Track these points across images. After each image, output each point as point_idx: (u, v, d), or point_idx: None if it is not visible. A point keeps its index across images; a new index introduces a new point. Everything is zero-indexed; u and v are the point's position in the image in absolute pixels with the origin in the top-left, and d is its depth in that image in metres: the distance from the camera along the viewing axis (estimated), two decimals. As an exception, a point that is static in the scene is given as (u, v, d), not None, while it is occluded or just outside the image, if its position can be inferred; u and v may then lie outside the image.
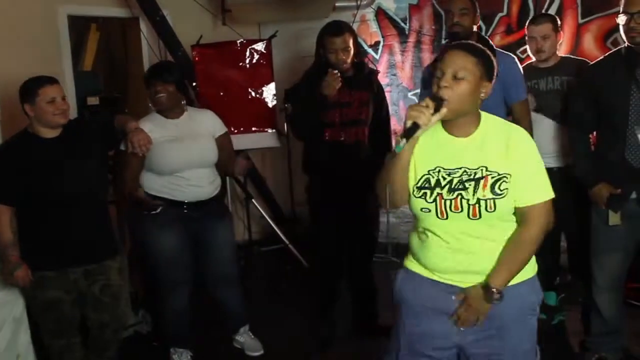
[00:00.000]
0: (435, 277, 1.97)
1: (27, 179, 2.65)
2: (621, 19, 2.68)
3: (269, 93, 4.79)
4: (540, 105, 3.34)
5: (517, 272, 1.88)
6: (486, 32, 4.70)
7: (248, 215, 5.05)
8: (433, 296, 1.98)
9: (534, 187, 1.87)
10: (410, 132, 1.79)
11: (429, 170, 1.93)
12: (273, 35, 4.78)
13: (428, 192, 1.91)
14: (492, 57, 1.94)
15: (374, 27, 5.19)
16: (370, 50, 5.14)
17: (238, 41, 4.77)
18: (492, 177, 1.85)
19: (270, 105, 4.81)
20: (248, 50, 4.75)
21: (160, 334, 3.52)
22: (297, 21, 5.14)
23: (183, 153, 3.10)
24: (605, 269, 2.93)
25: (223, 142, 3.30)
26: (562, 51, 3.61)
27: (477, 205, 1.85)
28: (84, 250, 2.78)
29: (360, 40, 4.50)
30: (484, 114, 1.96)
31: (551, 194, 1.89)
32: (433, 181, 1.91)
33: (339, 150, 3.30)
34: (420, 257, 2.01)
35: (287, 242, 4.92)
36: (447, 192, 1.88)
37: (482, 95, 1.91)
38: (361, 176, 3.33)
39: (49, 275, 2.72)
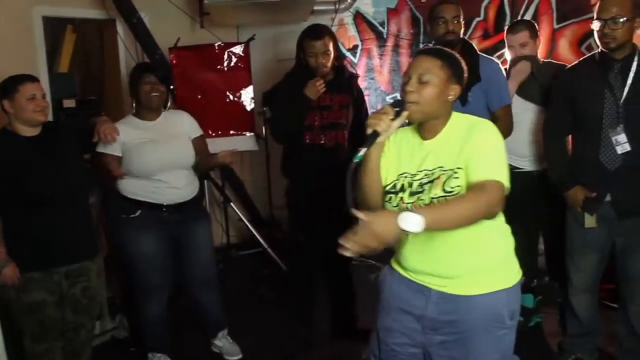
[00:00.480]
0: (409, 276, 2.01)
1: (7, 178, 2.63)
2: (595, 25, 2.72)
3: (247, 96, 4.79)
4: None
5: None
6: (464, 36, 4.74)
7: (226, 219, 5.03)
8: (405, 295, 2.02)
9: (487, 165, 1.81)
10: (369, 139, 1.84)
11: (398, 175, 1.98)
12: (251, 38, 4.78)
13: (393, 196, 1.95)
14: (461, 60, 1.97)
15: (352, 30, 5.21)
16: (348, 54, 5.16)
17: (216, 44, 4.76)
18: (445, 175, 1.86)
19: (248, 108, 4.80)
20: (226, 53, 4.74)
21: (137, 339, 3.48)
22: (276, 24, 5.15)
23: (160, 155, 3.08)
24: (581, 270, 2.97)
25: (199, 144, 3.29)
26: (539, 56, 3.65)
27: (430, 204, 1.85)
28: (67, 250, 2.76)
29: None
30: (455, 114, 1.98)
31: (506, 183, 1.81)
32: (399, 186, 1.95)
33: (319, 154, 3.30)
34: (398, 257, 2.06)
35: (265, 245, 4.90)
36: (408, 195, 1.91)
37: (450, 97, 1.92)
38: (341, 179, 3.35)
39: (34, 277, 2.69)
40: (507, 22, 4.61)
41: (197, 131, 3.32)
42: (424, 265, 1.95)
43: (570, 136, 3.03)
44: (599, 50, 2.81)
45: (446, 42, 3.09)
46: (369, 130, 1.85)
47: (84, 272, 2.85)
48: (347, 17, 5.19)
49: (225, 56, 4.74)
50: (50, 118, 4.15)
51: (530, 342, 3.52)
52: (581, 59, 3.02)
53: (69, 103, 4.42)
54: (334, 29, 4.79)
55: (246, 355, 3.46)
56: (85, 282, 2.85)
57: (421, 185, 1.89)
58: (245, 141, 4.80)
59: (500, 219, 1.99)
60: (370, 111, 3.66)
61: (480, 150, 1.84)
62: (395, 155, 2.01)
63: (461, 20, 3.18)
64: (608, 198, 2.79)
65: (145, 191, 3.09)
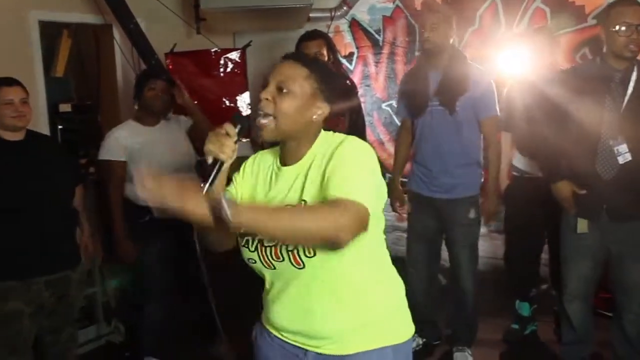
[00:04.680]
0: (281, 337, 1.70)
1: None
2: (619, 30, 2.64)
3: (243, 102, 4.78)
4: None
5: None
6: (458, 44, 4.77)
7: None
8: (273, 355, 1.73)
9: (343, 182, 1.47)
10: (212, 171, 1.44)
11: None
12: (248, 44, 4.78)
13: (250, 239, 1.62)
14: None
15: (348, 38, 5.22)
16: (344, 61, 5.17)
17: (212, 50, 4.76)
18: None
19: (244, 114, 4.79)
20: (222, 59, 4.74)
21: (132, 344, 3.48)
22: (272, 31, 5.15)
23: (160, 159, 3.11)
24: (574, 277, 2.98)
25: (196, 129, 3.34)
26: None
27: (295, 250, 1.53)
28: (46, 259, 2.71)
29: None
30: (325, 134, 1.67)
31: (363, 199, 1.44)
32: None
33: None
34: (266, 313, 1.73)
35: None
36: None
37: (315, 117, 1.61)
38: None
39: (11, 286, 2.63)
40: (502, 31, 4.64)
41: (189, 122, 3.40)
42: (295, 323, 1.62)
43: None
44: (599, 58, 2.82)
45: (424, 50, 3.21)
46: (209, 159, 1.46)
47: (64, 282, 2.79)
48: (343, 25, 5.21)
49: (222, 62, 4.74)
50: (45, 122, 4.20)
51: (525, 350, 3.54)
52: (576, 66, 3.01)
53: (64, 107, 4.41)
54: (329, 35, 4.82)
55: (241, 361, 3.46)
56: (64, 291, 2.80)
57: None
58: (240, 147, 4.77)
59: (386, 262, 1.70)
60: (366, 119, 3.67)
61: (337, 166, 1.51)
62: (251, 185, 1.70)
63: (448, 27, 3.15)
64: (604, 206, 2.80)
65: None
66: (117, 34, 4.77)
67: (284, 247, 1.54)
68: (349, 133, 3.39)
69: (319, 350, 1.62)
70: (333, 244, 1.45)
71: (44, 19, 4.42)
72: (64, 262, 2.81)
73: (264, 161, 1.73)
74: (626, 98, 2.70)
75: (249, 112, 4.40)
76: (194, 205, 1.32)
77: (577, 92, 2.79)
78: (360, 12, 5.17)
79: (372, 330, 1.61)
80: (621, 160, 2.72)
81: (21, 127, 2.70)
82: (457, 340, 3.42)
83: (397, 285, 1.72)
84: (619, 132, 2.71)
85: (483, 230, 4.83)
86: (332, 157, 1.54)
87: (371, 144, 1.92)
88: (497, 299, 4.04)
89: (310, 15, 4.94)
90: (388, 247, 1.72)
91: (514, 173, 3.58)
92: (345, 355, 1.60)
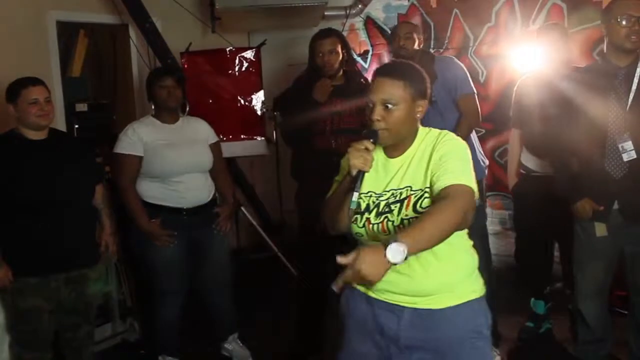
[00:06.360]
0: (372, 294, 1.93)
1: (10, 179, 2.62)
2: (622, 23, 2.61)
3: (258, 101, 4.81)
4: None
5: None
6: (474, 41, 4.76)
7: (237, 223, 5.04)
8: (373, 317, 1.93)
9: (452, 171, 1.75)
10: (358, 181, 1.75)
11: (361, 195, 1.88)
12: (262, 43, 4.80)
13: (358, 217, 1.88)
14: (421, 72, 1.90)
15: (363, 36, 5.23)
16: (359, 59, 5.17)
17: (227, 49, 4.78)
18: (415, 196, 1.81)
19: (259, 112, 4.82)
20: (237, 58, 4.76)
21: (148, 342, 3.50)
22: (287, 30, 5.17)
23: (181, 157, 3.13)
24: (588, 277, 2.95)
25: (214, 151, 3.33)
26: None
27: (401, 225, 1.80)
28: (65, 256, 2.74)
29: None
30: (422, 129, 1.93)
31: (472, 185, 1.75)
32: (363, 205, 1.89)
33: (328, 158, 3.30)
34: None
35: (276, 250, 4.91)
36: (375, 216, 1.85)
37: (418, 115, 1.87)
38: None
39: (31, 282, 2.67)
40: (519, 28, 4.61)
41: (213, 138, 3.39)
42: (397, 283, 1.85)
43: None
44: (601, 57, 2.79)
45: (397, 57, 3.37)
46: (354, 172, 1.75)
47: (83, 280, 2.83)
48: (358, 23, 5.21)
49: (237, 61, 4.76)
50: (62, 121, 4.24)
51: (540, 348, 3.52)
52: (581, 67, 2.98)
53: (81, 107, 4.44)
54: (344, 34, 4.81)
55: (255, 359, 3.47)
56: (82, 288, 2.83)
57: (388, 205, 1.84)
58: (255, 145, 4.82)
59: (465, 235, 1.94)
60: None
61: (443, 159, 1.78)
62: None
63: (415, 36, 3.36)
64: (616, 206, 2.77)
65: (165, 195, 3.12)
66: (133, 33, 4.81)
67: (390, 222, 1.81)
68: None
69: (416, 306, 1.85)
70: (460, 226, 1.71)
71: (62, 19, 4.46)
72: (83, 259, 2.84)
73: None
74: (631, 95, 2.66)
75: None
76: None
77: (583, 91, 2.76)
78: (375, 10, 5.17)
79: (460, 287, 1.88)
80: (626, 157, 2.67)
81: (45, 125, 2.73)
82: None
83: (474, 253, 1.98)
84: (624, 130, 2.68)
85: (498, 227, 4.84)
86: (435, 148, 1.81)
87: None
88: (511, 296, 4.02)
89: (325, 13, 4.96)
90: None
91: (522, 171, 3.56)
92: (439, 309, 1.84)
